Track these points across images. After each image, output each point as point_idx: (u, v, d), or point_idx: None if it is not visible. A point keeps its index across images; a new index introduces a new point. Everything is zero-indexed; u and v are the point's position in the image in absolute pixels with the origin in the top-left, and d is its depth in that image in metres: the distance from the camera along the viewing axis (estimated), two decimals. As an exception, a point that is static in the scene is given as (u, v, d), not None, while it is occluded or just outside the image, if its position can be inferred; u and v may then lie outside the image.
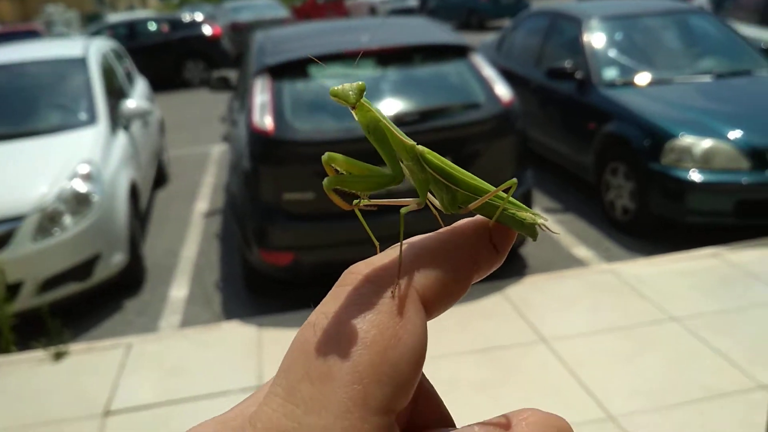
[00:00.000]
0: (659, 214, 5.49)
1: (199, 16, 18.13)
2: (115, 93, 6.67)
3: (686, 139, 5.30)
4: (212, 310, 5.07)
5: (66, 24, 36.63)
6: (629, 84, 6.21)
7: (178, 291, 5.46)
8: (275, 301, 5.05)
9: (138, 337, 4.51)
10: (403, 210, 0.48)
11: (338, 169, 0.48)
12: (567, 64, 6.53)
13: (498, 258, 0.47)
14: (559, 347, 3.91)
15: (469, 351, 3.98)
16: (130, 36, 16.74)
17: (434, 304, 0.43)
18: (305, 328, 0.40)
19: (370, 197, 0.50)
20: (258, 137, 4.46)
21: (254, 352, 4.16)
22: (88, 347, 4.37)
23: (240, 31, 18.90)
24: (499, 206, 0.49)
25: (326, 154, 0.48)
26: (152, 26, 17.27)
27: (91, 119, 5.73)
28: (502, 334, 4.14)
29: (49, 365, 4.16)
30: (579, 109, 6.42)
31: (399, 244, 0.44)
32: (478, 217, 0.49)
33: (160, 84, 15.16)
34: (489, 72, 4.96)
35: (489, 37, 9.95)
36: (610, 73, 6.32)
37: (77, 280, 4.87)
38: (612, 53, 6.56)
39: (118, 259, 5.14)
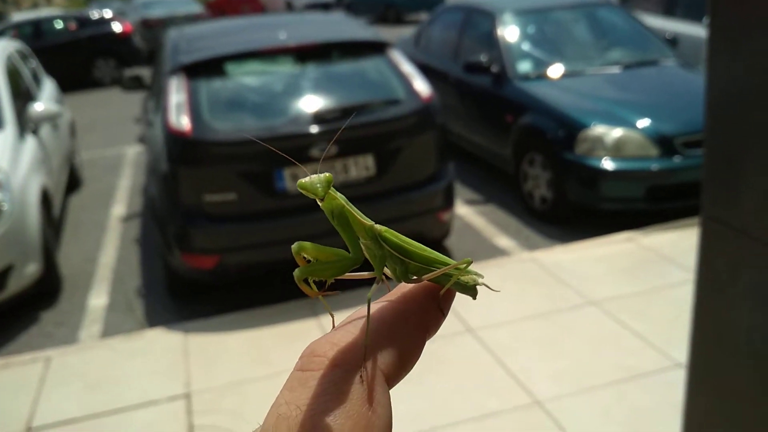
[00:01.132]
0: (575, 202, 5.69)
1: (108, 13, 17.47)
2: (22, 96, 6.36)
3: (598, 129, 5.52)
4: (135, 317, 4.93)
5: (-37, 22, 34.59)
6: (543, 77, 6.40)
7: (98, 299, 5.28)
8: (200, 305, 4.95)
9: (58, 350, 4.34)
10: (369, 293, 0.49)
11: (306, 257, 0.51)
12: (483, 58, 6.66)
13: (443, 319, 0.51)
14: (486, 336, 4.00)
15: (399, 345, 4.02)
16: (36, 35, 15.98)
17: (395, 377, 0.45)
18: (279, 421, 0.41)
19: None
20: (175, 138, 4.36)
21: (181, 359, 4.08)
22: (5, 363, 4.18)
23: (152, 28, 18.35)
24: (451, 275, 0.53)
25: (296, 243, 0.51)
26: (59, 24, 16.54)
27: (-4, 124, 5.45)
28: (430, 327, 4.20)
29: (-39, 385, 3.96)
30: (496, 102, 6.57)
31: (359, 321, 0.46)
32: (426, 283, 0.53)
33: (69, 84, 14.54)
34: (407, 68, 5.01)
35: (407, 32, 10.03)
36: (524, 67, 6.49)
37: (-12, 293, 4.64)
38: (525, 47, 6.74)
39: (32, 269, 4.92)
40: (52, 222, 5.82)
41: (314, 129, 4.41)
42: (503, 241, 5.74)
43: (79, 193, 7.92)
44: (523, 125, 6.10)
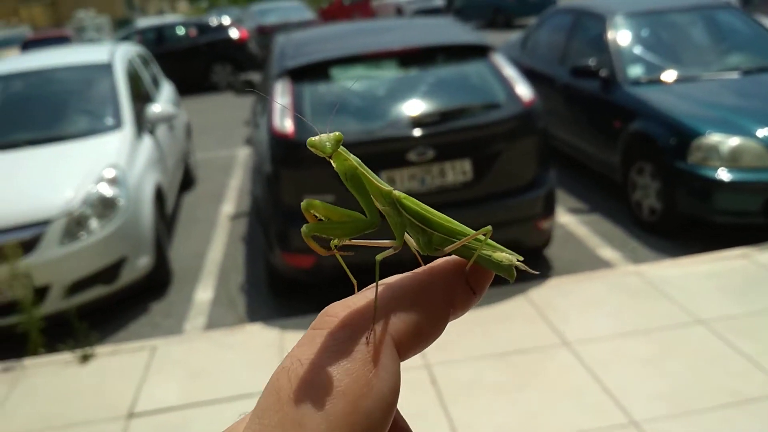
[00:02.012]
0: (686, 214, 5.39)
1: (226, 20, 18.30)
2: (141, 98, 6.75)
3: (713, 137, 5.20)
4: (237, 312, 5.11)
5: (96, 29, 37.26)
6: (655, 81, 6.11)
7: (204, 293, 5.51)
8: (298, 303, 5.07)
9: (163, 340, 4.56)
10: (378, 256, 0.50)
11: (317, 215, 0.50)
12: (591, 62, 6.45)
13: (474, 299, 0.48)
14: (582, 351, 3.86)
15: (489, 354, 3.95)
16: (158, 40, 16.97)
17: (409, 347, 0.43)
18: (280, 372, 0.41)
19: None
20: (278, 140, 4.48)
21: (276, 355, 4.18)
22: (114, 349, 4.44)
23: (266, 34, 19.01)
24: (475, 248, 0.50)
25: (305, 201, 0.49)
26: (180, 30, 17.47)
27: (117, 124, 5.81)
28: (523, 338, 4.10)
29: (76, 367, 4.23)
30: (604, 107, 6.33)
31: (375, 286, 0.45)
32: (455, 257, 0.50)
33: (188, 88, 15.35)
34: (510, 71, 4.92)
35: (513, 36, 9.88)
36: (636, 71, 6.22)
37: (104, 283, 4.95)
38: (637, 50, 6.46)
39: (143, 262, 5.20)
40: (165, 218, 6.13)
41: (412, 133, 4.42)
42: (607, 252, 5.52)
43: (192, 192, 8.31)
44: (632, 132, 5.85)
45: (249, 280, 5.65)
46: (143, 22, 21.89)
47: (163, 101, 7.51)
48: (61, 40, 22.16)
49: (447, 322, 0.46)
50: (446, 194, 4.53)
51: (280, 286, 5.18)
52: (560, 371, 3.75)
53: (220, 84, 16.53)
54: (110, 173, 5.11)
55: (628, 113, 5.94)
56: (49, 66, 6.66)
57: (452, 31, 5.68)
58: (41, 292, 4.63)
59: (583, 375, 3.65)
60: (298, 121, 4.51)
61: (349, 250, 0.52)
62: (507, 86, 4.83)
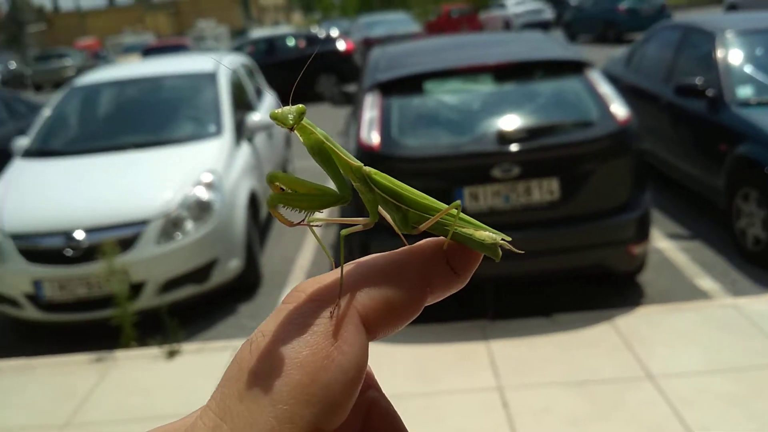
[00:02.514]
0: (796, 246, 5.02)
1: (334, 32, 18.76)
2: (243, 106, 7.02)
3: (830, 165, 4.82)
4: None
5: (215, 38, 39.16)
6: (765, 103, 5.72)
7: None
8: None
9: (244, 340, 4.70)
10: (344, 231, 0.50)
11: (283, 187, 0.49)
12: (698, 80, 6.13)
13: (456, 279, 0.47)
14: (666, 385, 3.66)
15: (568, 382, 3.81)
16: (269, 51, 17.61)
17: (378, 324, 0.43)
18: (244, 345, 0.42)
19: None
20: (364, 152, 4.54)
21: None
22: (200, 347, 4.62)
23: (371, 46, 19.35)
24: (450, 226, 0.49)
25: (269, 173, 0.49)
26: (290, 42, 18.05)
27: (218, 131, 6.06)
28: (604, 367, 3.94)
29: (163, 362, 4.43)
30: (710, 128, 6.00)
31: (344, 263, 0.45)
32: (439, 238, 0.49)
33: (295, 97, 15.78)
34: (605, 89, 4.76)
35: (618, 51, 9.55)
36: (745, 91, 5.86)
37: (195, 283, 5.17)
38: (747, 70, 6.07)
39: (234, 264, 5.39)
40: (258, 223, 6.34)
41: (497, 148, 4.36)
42: (705, 282, 5.22)
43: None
44: (738, 155, 5.50)
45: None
46: (256, 33, 22.78)
47: (264, 111, 7.78)
48: (179, 48, 23.45)
49: (423, 302, 0.45)
50: (531, 213, 4.43)
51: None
52: (641, 405, 3.57)
53: (325, 94, 16.94)
54: (207, 178, 5.34)
55: (735, 136, 5.60)
56: (159, 74, 7.05)
57: (548, 46, 5.56)
58: (136, 288, 4.89)
59: (665, 411, 3.46)
60: (385, 134, 4.55)
61: (314, 225, 0.51)
62: (601, 104, 4.67)
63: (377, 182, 0.51)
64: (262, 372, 0.39)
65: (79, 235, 4.83)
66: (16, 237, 4.92)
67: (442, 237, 0.49)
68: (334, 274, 0.45)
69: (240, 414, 0.38)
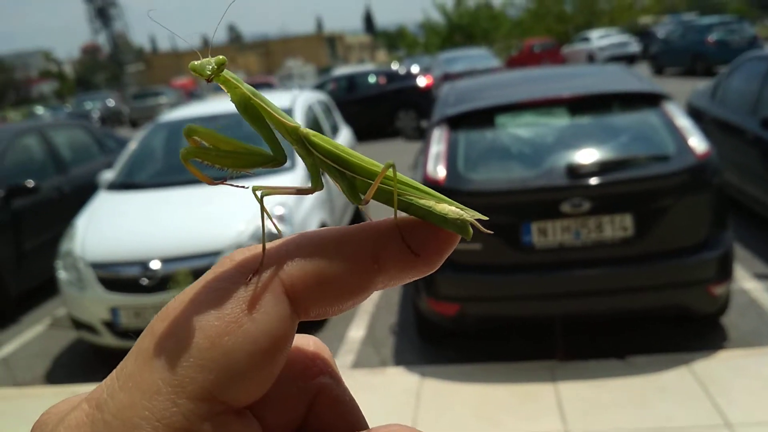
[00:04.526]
0: None
1: (415, 68, 18.97)
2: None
3: None
4: (382, 353, 5.16)
5: (302, 77, 40.44)
6: None
7: (357, 331, 5.64)
8: (444, 350, 5.01)
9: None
10: (262, 192, 0.46)
11: (202, 141, 0.46)
12: (788, 113, 5.81)
13: (415, 260, 0.42)
14: (747, 436, 3.41)
15: (637, 429, 3.61)
16: (350, 88, 17.98)
17: (308, 298, 0.40)
18: (161, 312, 0.40)
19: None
20: (430, 186, 4.51)
21: (412, 402, 4.15)
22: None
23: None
24: (410, 198, 0.45)
25: (187, 126, 0.46)
26: (371, 78, 18.38)
27: (291, 165, 6.19)
28: (680, 414, 3.71)
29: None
30: (801, 163, 5.66)
31: (263, 225, 0.44)
32: (404, 216, 0.45)
33: (374, 132, 16.05)
34: (683, 122, 4.57)
35: (703, 84, 9.20)
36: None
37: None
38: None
39: (302, 296, 5.43)
40: (328, 256, 6.38)
41: (567, 183, 4.24)
42: (796, 326, 4.87)
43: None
44: (833, 192, 5.16)
45: (399, 322, 5.69)
46: (339, 70, 23.34)
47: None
48: (264, 86, 24.27)
49: (366, 280, 0.41)
50: (603, 250, 4.27)
51: (427, 330, 5.15)
52: (718, 457, 3.33)
53: (404, 130, 17.08)
54: (279, 210, 5.44)
55: (830, 171, 5.26)
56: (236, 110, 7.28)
57: (624, 78, 5.41)
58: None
59: (746, 464, 3.21)
60: (451, 168, 4.52)
61: (234, 185, 0.48)
62: (679, 137, 4.49)
63: (316, 144, 0.47)
64: (164, 333, 0.37)
65: (155, 264, 4.99)
66: (96, 266, 5.15)
67: (407, 216, 0.45)
68: (273, 245, 0.42)
69: (131, 373, 0.37)
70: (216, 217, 5.48)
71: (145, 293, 5.00)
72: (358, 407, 0.46)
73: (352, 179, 0.48)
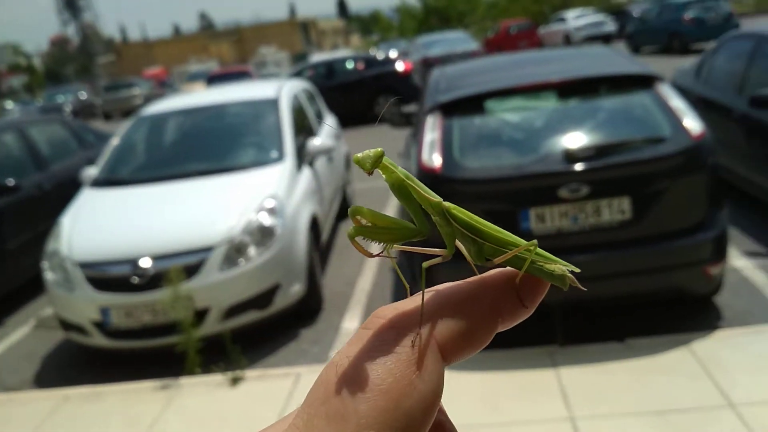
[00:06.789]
0: None
1: (393, 53, 18.85)
2: (304, 131, 7.06)
3: None
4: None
5: (276, 64, 40.01)
6: None
7: (351, 322, 5.60)
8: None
9: (307, 368, 4.67)
10: (425, 264, 0.51)
11: (364, 221, 0.52)
12: (775, 91, 5.83)
13: (524, 311, 0.49)
14: (750, 414, 3.42)
15: (644, 411, 3.62)
16: (328, 74, 17.83)
17: (454, 353, 0.45)
18: (329, 367, 0.44)
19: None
20: (425, 174, 4.46)
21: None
22: (262, 374, 4.60)
23: (430, 66, 19.34)
24: (526, 258, 0.51)
25: (352, 207, 0.52)
26: (349, 64, 18.24)
27: (280, 157, 6.10)
28: (683, 395, 3.72)
29: (226, 389, 4.43)
30: (789, 141, 5.69)
31: (422, 292, 0.47)
32: (508, 268, 0.51)
33: (354, 118, 15.93)
34: (677, 103, 4.56)
35: (687, 63, 9.23)
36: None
37: (258, 308, 5.17)
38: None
39: (296, 289, 5.38)
40: (320, 247, 6.33)
41: (564, 168, 4.21)
42: (789, 303, 4.91)
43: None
44: (823, 169, 5.19)
45: (396, 312, 5.65)
46: (316, 57, 23.13)
47: (324, 134, 7.81)
48: (241, 75, 23.99)
49: (494, 331, 0.47)
50: (601, 234, 4.26)
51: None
52: (725, 437, 3.34)
53: (384, 115, 16.94)
54: (270, 203, 5.36)
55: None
56: (223, 102, 7.17)
57: (615, 60, 5.39)
58: (200, 315, 4.92)
59: (753, 445, 3.23)
60: (446, 156, 4.47)
61: (391, 256, 0.54)
62: (674, 119, 4.48)
63: (456, 217, 0.54)
64: (349, 395, 0.41)
65: (146, 263, 4.90)
66: (84, 265, 5.04)
67: (510, 268, 0.51)
68: (411, 302, 0.47)
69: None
70: (206, 212, 5.39)
71: (136, 292, 4.91)
72: None
73: (482, 245, 0.54)
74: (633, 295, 4.57)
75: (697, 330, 4.46)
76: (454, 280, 0.50)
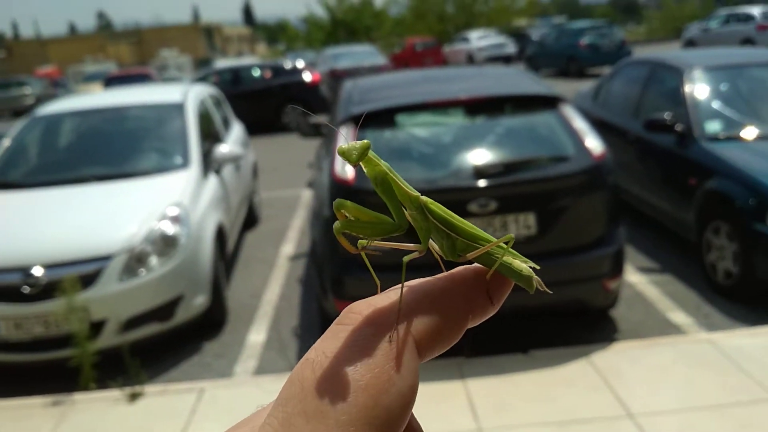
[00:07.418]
0: (765, 280, 5.05)
1: (300, 63, 18.73)
2: (211, 138, 6.88)
3: (798, 200, 4.88)
4: (287, 357, 5.03)
5: (178, 68, 38.91)
6: (734, 138, 5.81)
7: (257, 335, 5.47)
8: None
9: (211, 383, 4.51)
10: (405, 258, 0.50)
11: (348, 215, 0.51)
12: (666, 115, 6.20)
13: (491, 308, 0.49)
14: (648, 424, 3.59)
15: (548, 422, 3.72)
16: (234, 81, 17.51)
17: (429, 349, 0.45)
18: (304, 364, 0.42)
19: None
20: (338, 186, 4.44)
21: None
22: (163, 389, 4.41)
23: (338, 78, 19.37)
24: (497, 256, 0.51)
25: (337, 200, 0.51)
26: (256, 72, 17.98)
27: (184, 163, 5.90)
28: (584, 406, 3.85)
29: (124, 405, 4.21)
30: (679, 163, 6.06)
31: (400, 287, 0.47)
32: (476, 265, 0.51)
33: (261, 128, 15.70)
34: (580, 124, 4.76)
35: (585, 86, 9.69)
36: (713, 127, 5.95)
37: (159, 320, 4.96)
38: (715, 105, 6.18)
39: (200, 300, 5.20)
40: (225, 257, 6.16)
41: (474, 183, 4.30)
42: (678, 316, 5.21)
43: (255, 230, 8.38)
44: (708, 190, 5.56)
45: (302, 324, 5.58)
46: (221, 63, 22.67)
47: (232, 142, 7.64)
48: (142, 78, 23.18)
49: (465, 328, 0.48)
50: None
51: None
52: (623, 446, 3.49)
53: (291, 125, 16.84)
54: (173, 211, 5.17)
55: (705, 170, 5.66)
56: (125, 104, 6.87)
57: (522, 81, 5.57)
58: (96, 327, 4.66)
59: (649, 452, 3.38)
60: (360, 169, 4.46)
61: (375, 251, 0.53)
62: (576, 139, 4.67)
63: (432, 211, 0.53)
64: (327, 393, 0.40)
65: (38, 271, 4.60)
66: (-30, 273, 4.67)
67: (478, 265, 0.51)
68: (385, 298, 0.46)
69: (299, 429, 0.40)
70: (105, 219, 5.13)
71: (27, 302, 4.60)
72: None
73: (455, 240, 0.53)
74: (538, 307, 4.71)
75: (595, 342, 4.65)
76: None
